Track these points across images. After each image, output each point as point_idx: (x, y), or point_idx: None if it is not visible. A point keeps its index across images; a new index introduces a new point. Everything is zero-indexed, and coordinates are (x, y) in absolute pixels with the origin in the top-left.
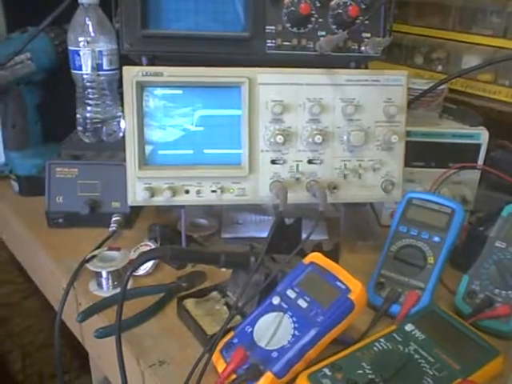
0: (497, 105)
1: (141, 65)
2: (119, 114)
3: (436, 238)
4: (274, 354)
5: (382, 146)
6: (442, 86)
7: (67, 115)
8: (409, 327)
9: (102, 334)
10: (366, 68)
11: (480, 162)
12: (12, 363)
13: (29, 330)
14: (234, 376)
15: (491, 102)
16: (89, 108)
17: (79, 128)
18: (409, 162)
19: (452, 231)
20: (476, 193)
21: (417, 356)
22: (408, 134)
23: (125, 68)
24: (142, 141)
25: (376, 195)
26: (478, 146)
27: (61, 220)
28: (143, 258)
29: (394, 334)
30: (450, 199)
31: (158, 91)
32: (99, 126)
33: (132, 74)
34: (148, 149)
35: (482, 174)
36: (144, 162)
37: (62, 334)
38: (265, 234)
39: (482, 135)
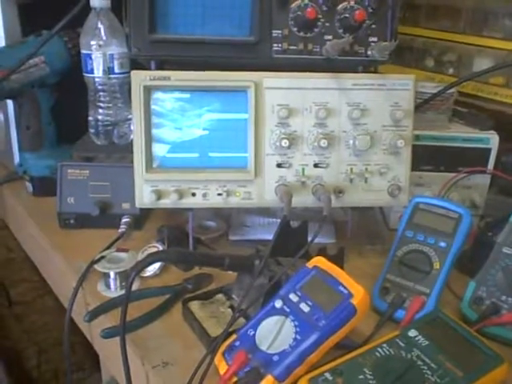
0: (509, 108)
1: (150, 69)
2: (130, 116)
3: (442, 244)
4: (275, 358)
5: (389, 151)
6: (451, 90)
7: (80, 117)
8: (412, 333)
9: (108, 334)
10: (376, 72)
11: (490, 166)
12: (27, 360)
13: (45, 327)
14: (234, 379)
15: (503, 106)
16: (100, 110)
17: (91, 130)
18: (418, 165)
19: (458, 237)
20: (486, 197)
21: (419, 362)
22: (417, 137)
23: (132, 72)
24: (149, 144)
25: (382, 200)
26: (488, 150)
27: (72, 221)
28: (147, 261)
29: (397, 340)
30: (457, 204)
31: (166, 95)
32: (110, 128)
33: (140, 79)
34: (155, 152)
35: (493, 178)
36: (151, 164)
37: (75, 333)
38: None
39: (492, 140)
